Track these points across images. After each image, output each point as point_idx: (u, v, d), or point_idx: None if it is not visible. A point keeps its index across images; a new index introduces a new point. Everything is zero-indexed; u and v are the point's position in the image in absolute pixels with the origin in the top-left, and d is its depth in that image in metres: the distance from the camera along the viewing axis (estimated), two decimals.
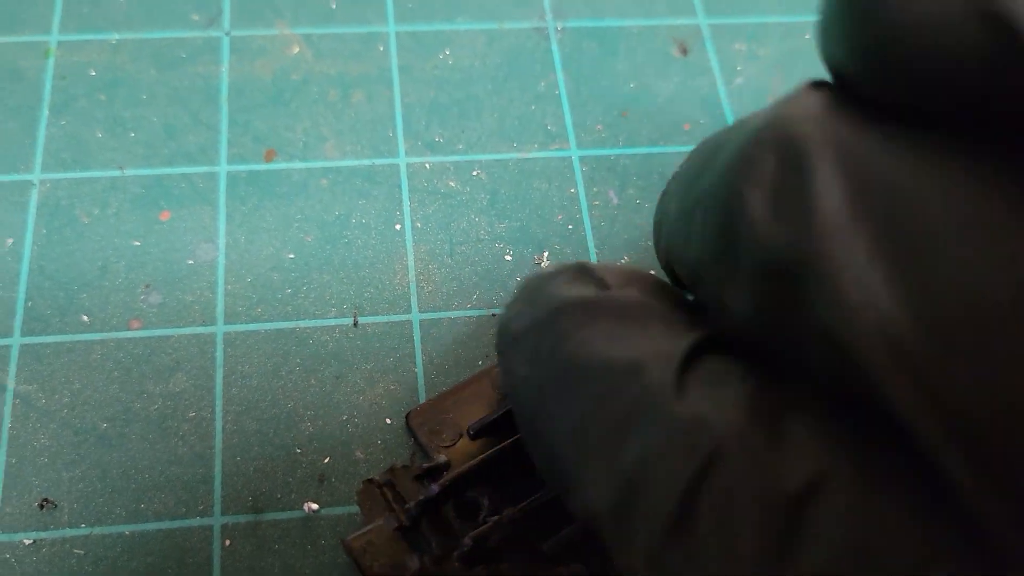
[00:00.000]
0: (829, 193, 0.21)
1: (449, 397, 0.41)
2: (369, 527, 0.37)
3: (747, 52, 0.54)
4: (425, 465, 0.39)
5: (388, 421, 0.42)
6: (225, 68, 0.50)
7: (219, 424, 0.41)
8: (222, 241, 0.45)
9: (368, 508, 0.38)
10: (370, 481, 0.38)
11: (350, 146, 0.48)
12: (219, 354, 0.43)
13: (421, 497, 0.37)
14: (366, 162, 0.48)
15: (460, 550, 0.36)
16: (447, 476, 0.38)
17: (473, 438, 0.40)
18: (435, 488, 0.37)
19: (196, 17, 0.51)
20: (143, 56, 0.50)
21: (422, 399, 0.42)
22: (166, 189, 0.46)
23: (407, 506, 0.37)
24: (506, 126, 0.50)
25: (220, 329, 0.43)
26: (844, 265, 0.21)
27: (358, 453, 0.41)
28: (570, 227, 0.47)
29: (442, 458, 0.39)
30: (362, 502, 0.38)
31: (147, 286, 0.44)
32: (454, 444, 0.40)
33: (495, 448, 0.38)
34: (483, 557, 0.37)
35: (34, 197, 0.46)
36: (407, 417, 0.41)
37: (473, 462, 0.38)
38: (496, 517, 0.37)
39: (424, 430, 0.41)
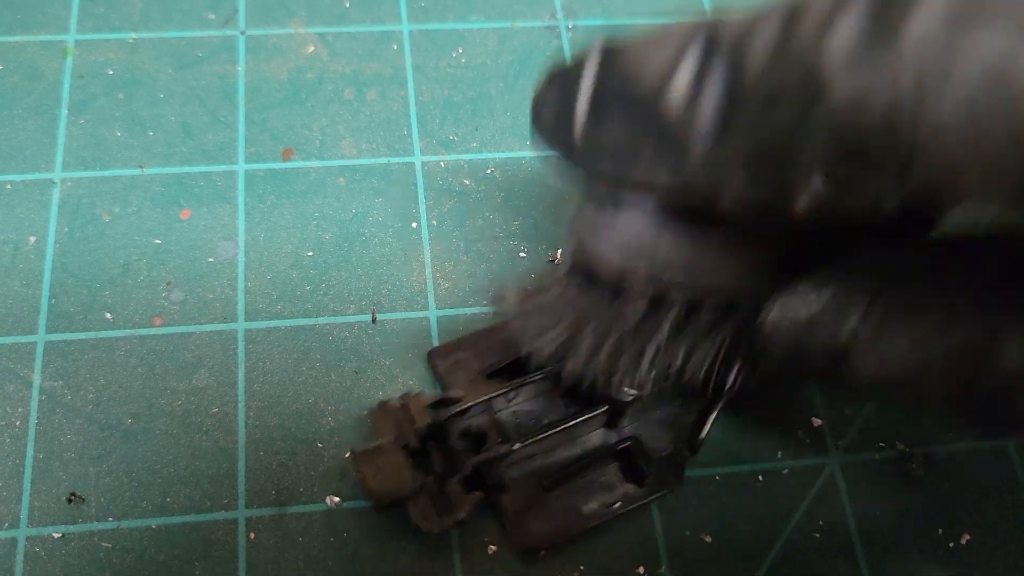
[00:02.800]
0: None
1: (468, 341, 0.44)
2: (378, 441, 0.39)
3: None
4: (439, 395, 0.41)
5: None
6: (241, 67, 0.51)
7: (242, 419, 0.42)
8: (242, 239, 0.46)
9: (379, 426, 0.40)
10: (384, 403, 0.40)
11: (366, 144, 0.49)
12: (240, 350, 0.43)
13: (429, 421, 0.39)
14: (382, 160, 0.49)
15: (461, 474, 0.38)
16: (456, 407, 0.40)
17: (488, 377, 0.42)
18: (444, 413, 0.39)
19: (212, 16, 0.52)
20: (160, 55, 0.51)
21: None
22: (185, 187, 0.47)
23: (416, 427, 0.39)
24: (519, 124, 0.51)
25: (241, 326, 0.44)
26: None
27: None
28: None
29: (458, 392, 0.41)
30: (374, 420, 0.40)
31: (169, 283, 0.45)
32: (470, 383, 0.42)
33: (506, 387, 0.40)
34: (483, 484, 0.39)
35: (55, 196, 0.46)
36: (429, 354, 0.43)
37: (484, 396, 0.40)
38: (501, 447, 0.39)
39: (444, 366, 0.43)
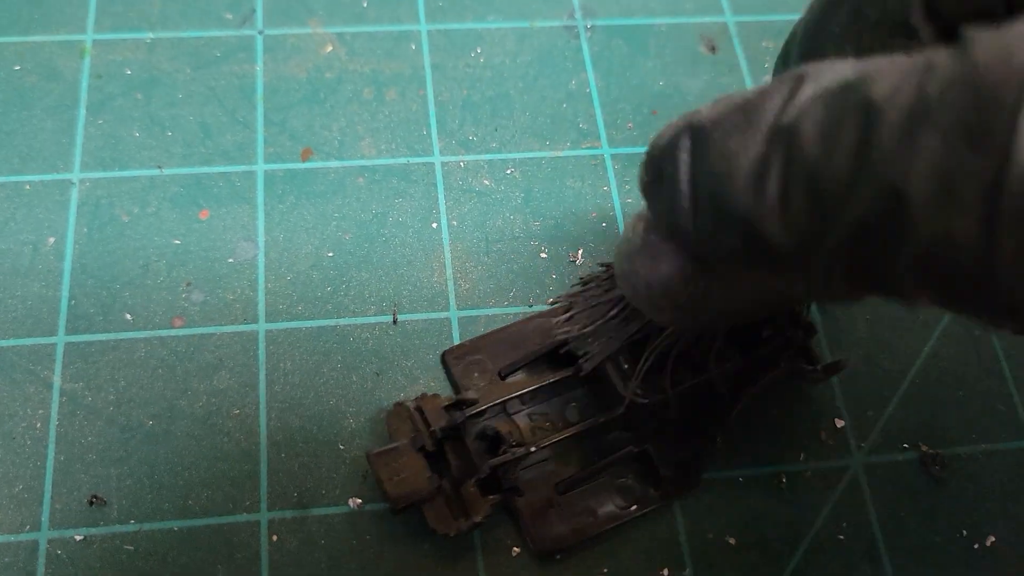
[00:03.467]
0: None
1: (484, 341, 0.44)
2: (394, 444, 0.39)
3: (775, 49, 0.54)
4: (454, 397, 0.41)
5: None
6: (260, 67, 0.50)
7: (263, 421, 0.42)
8: (261, 239, 0.46)
9: (395, 428, 0.40)
10: (400, 404, 0.40)
11: (385, 144, 0.49)
12: (261, 352, 0.43)
13: (445, 423, 0.39)
14: (401, 160, 0.49)
15: (478, 476, 0.38)
16: (472, 408, 0.40)
17: (504, 379, 0.42)
18: (460, 415, 0.39)
19: (230, 16, 0.52)
20: (178, 55, 0.50)
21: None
22: (205, 188, 0.47)
23: (432, 429, 0.39)
24: (538, 124, 0.50)
25: (262, 327, 0.44)
26: None
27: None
28: (604, 224, 0.48)
29: (471, 394, 0.41)
30: (390, 422, 0.40)
31: (188, 284, 0.44)
32: (485, 384, 0.42)
33: (522, 389, 0.41)
34: (498, 487, 0.39)
35: (74, 196, 0.46)
36: (443, 355, 0.43)
37: (500, 398, 0.40)
38: (518, 450, 0.39)
39: (458, 367, 0.43)
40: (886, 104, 0.22)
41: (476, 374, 0.42)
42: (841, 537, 0.42)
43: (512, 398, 0.41)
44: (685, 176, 0.29)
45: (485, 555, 0.40)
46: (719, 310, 0.35)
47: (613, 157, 0.50)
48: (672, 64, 0.53)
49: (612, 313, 0.37)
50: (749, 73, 0.53)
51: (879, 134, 0.22)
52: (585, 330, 0.38)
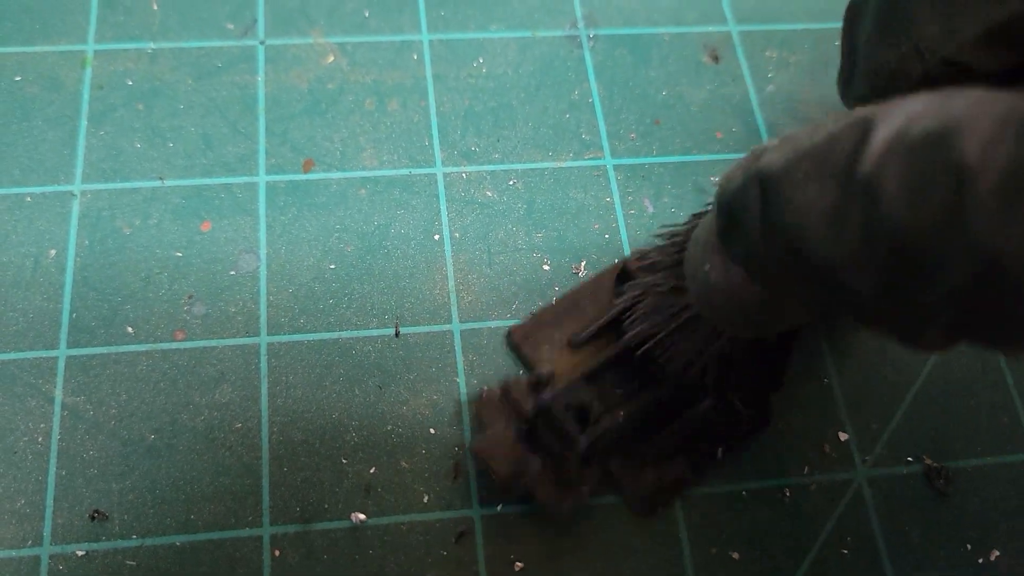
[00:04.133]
0: None
1: (548, 313, 0.44)
2: (491, 433, 0.40)
3: (778, 59, 0.54)
4: (535, 375, 0.41)
5: (432, 431, 0.42)
6: (261, 77, 0.50)
7: (265, 435, 0.42)
8: (263, 251, 0.46)
9: (485, 415, 0.41)
10: (488, 390, 0.41)
11: (387, 155, 0.49)
12: (263, 365, 0.43)
13: (534, 402, 0.40)
14: (403, 172, 0.48)
15: (578, 450, 0.39)
16: (559, 385, 0.40)
17: (574, 349, 0.43)
18: (548, 395, 0.40)
19: (231, 26, 0.52)
20: (180, 65, 0.50)
21: (465, 409, 0.43)
22: (206, 200, 0.47)
23: (524, 413, 0.40)
24: (541, 135, 0.50)
25: (264, 340, 0.44)
26: None
27: (403, 463, 0.42)
28: (607, 236, 0.48)
29: (548, 368, 0.41)
30: (479, 410, 0.41)
31: (190, 297, 0.44)
32: (557, 356, 0.43)
33: (600, 357, 0.41)
34: (596, 456, 0.40)
35: (75, 208, 0.46)
36: (508, 335, 0.44)
37: (582, 370, 0.41)
38: (608, 418, 0.40)
39: (528, 344, 0.43)
40: (980, 166, 0.20)
41: (545, 346, 0.43)
42: (845, 551, 0.42)
43: (591, 370, 0.41)
44: (759, 226, 0.28)
45: (489, 570, 0.40)
46: (791, 320, 0.36)
47: (616, 168, 0.50)
48: (675, 74, 0.53)
49: (683, 317, 0.38)
50: (752, 83, 0.53)
51: (974, 199, 0.20)
52: (656, 337, 0.39)
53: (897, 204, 0.22)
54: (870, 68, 0.34)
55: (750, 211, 0.29)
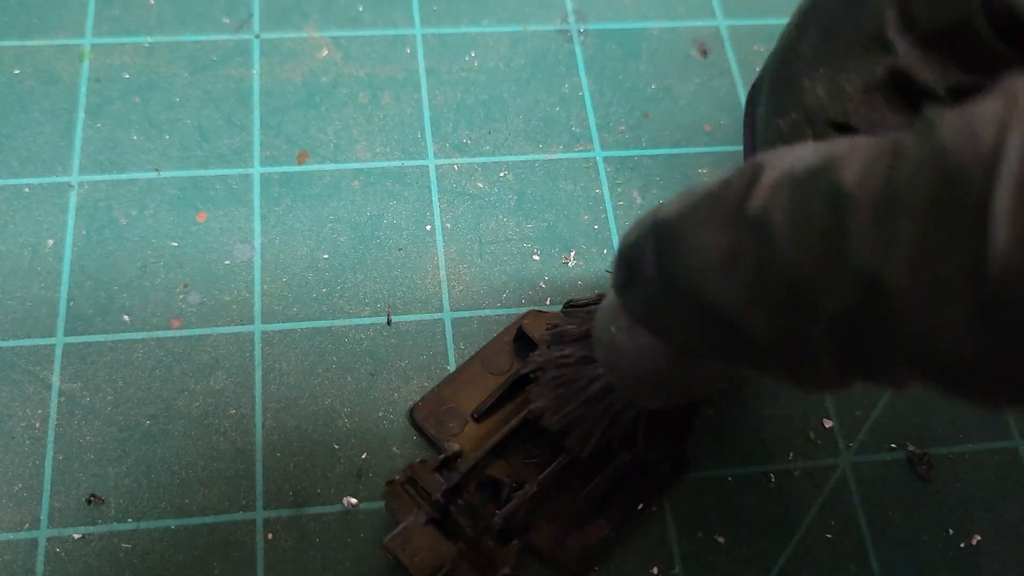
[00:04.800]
0: None
1: (446, 387, 0.43)
2: (403, 525, 0.38)
3: (766, 53, 0.54)
4: (441, 457, 0.40)
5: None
6: (256, 71, 0.51)
7: (259, 421, 0.42)
8: (258, 241, 0.46)
9: (396, 507, 0.39)
10: (392, 482, 0.39)
11: (380, 148, 0.49)
12: (257, 352, 0.44)
13: (443, 487, 0.38)
14: (396, 163, 0.49)
15: (492, 529, 0.38)
16: (463, 463, 0.39)
17: (478, 421, 0.42)
18: (455, 477, 0.39)
19: (227, 20, 0.52)
20: (176, 59, 0.51)
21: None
22: (202, 191, 0.47)
23: (433, 498, 0.38)
24: (531, 127, 0.51)
25: (258, 328, 0.44)
26: None
27: (394, 448, 0.42)
28: (596, 227, 0.48)
29: (455, 447, 0.41)
30: (389, 503, 0.39)
31: (186, 286, 0.45)
32: (462, 431, 0.42)
33: (504, 429, 0.40)
34: (514, 532, 0.39)
35: (73, 199, 0.47)
36: (410, 413, 0.43)
37: (486, 445, 0.40)
38: (519, 492, 0.39)
39: (431, 423, 0.42)
40: (856, 190, 0.21)
41: (450, 423, 0.42)
42: (829, 535, 0.42)
43: (499, 440, 0.40)
44: (656, 273, 0.29)
45: None
46: (705, 386, 0.36)
47: (605, 160, 0.50)
48: (664, 68, 0.54)
49: (591, 390, 0.37)
50: (740, 77, 0.54)
51: (852, 221, 0.21)
52: (565, 415, 0.38)
53: (784, 236, 0.23)
54: (765, 140, 0.35)
55: (647, 261, 0.29)
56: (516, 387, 0.42)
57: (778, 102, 0.34)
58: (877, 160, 0.21)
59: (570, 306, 0.43)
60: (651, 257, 0.29)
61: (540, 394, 0.39)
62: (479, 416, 0.42)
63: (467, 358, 0.44)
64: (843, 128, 0.31)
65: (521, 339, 0.43)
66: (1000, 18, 0.27)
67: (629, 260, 0.31)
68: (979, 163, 0.19)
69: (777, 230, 0.23)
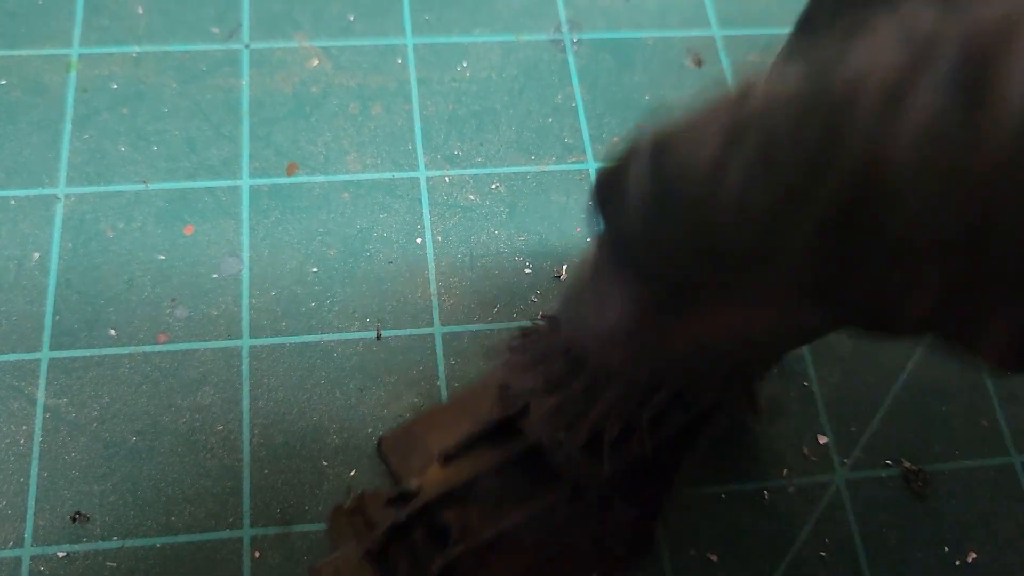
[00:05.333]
0: None
1: (421, 423, 0.42)
2: (336, 554, 0.37)
3: (761, 63, 0.54)
4: (396, 490, 0.39)
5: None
6: (246, 81, 0.51)
7: (247, 437, 0.42)
8: (246, 255, 0.46)
9: (337, 534, 0.38)
10: (339, 507, 0.38)
11: (371, 159, 0.49)
12: (245, 367, 0.43)
13: (389, 523, 0.37)
14: (387, 175, 0.49)
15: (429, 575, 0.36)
16: (415, 503, 0.38)
17: (444, 463, 0.40)
18: (403, 514, 0.37)
19: (216, 30, 0.52)
20: (164, 69, 0.51)
21: (444, 401, 0.43)
22: (189, 203, 0.47)
23: (375, 532, 0.37)
24: (524, 138, 0.51)
25: (246, 343, 0.44)
26: None
27: (383, 466, 0.42)
28: (589, 240, 0.48)
29: (413, 484, 0.39)
30: (330, 528, 0.38)
31: (173, 300, 0.45)
32: (425, 470, 0.40)
33: (464, 476, 0.38)
34: None
35: (59, 211, 0.46)
36: (378, 444, 0.42)
37: (441, 488, 0.38)
38: (464, 542, 0.37)
39: (396, 456, 0.41)
40: (868, 70, 0.21)
41: (415, 459, 0.40)
42: (823, 553, 0.42)
43: (456, 485, 0.39)
44: (641, 178, 0.28)
45: None
46: (672, 357, 0.34)
47: (599, 172, 0.50)
48: (658, 78, 0.53)
49: (557, 366, 0.36)
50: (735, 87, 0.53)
51: (858, 108, 0.21)
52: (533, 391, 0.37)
53: (781, 127, 0.23)
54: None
55: (635, 165, 0.28)
56: (488, 436, 0.40)
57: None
58: (893, 38, 0.21)
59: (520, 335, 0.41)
60: (639, 161, 0.28)
61: (539, 416, 0.38)
62: (446, 458, 0.40)
63: (450, 395, 0.43)
64: None
65: (505, 388, 0.41)
66: None
67: (613, 172, 0.30)
68: (1001, 32, 0.20)
69: (774, 123, 0.23)
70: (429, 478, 0.40)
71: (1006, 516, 0.44)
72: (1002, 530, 0.43)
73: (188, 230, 0.46)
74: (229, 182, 0.48)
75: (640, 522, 0.40)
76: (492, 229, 0.48)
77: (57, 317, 0.44)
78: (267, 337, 0.44)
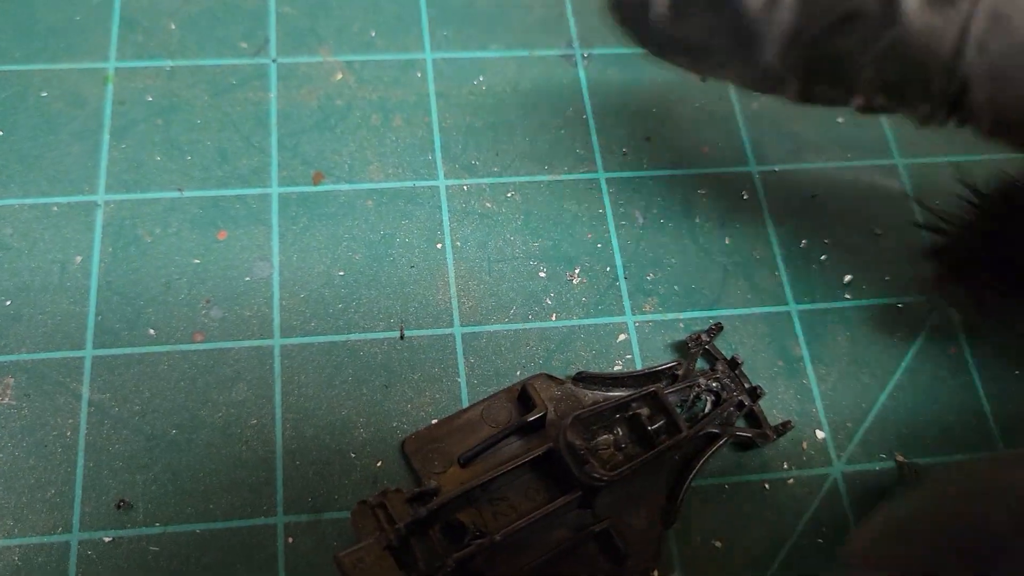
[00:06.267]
0: None
1: (443, 427, 0.45)
2: (360, 544, 0.39)
3: None
4: (416, 489, 0.41)
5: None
6: (273, 94, 0.53)
7: (279, 430, 0.45)
8: (276, 259, 0.48)
9: (360, 527, 0.40)
10: (363, 502, 0.41)
11: (392, 169, 0.52)
12: (277, 365, 0.46)
13: (409, 519, 0.39)
14: (408, 184, 0.51)
15: (444, 570, 0.39)
16: (435, 500, 0.40)
17: (463, 466, 0.43)
18: (423, 511, 0.40)
19: (245, 45, 0.55)
20: (196, 82, 0.53)
21: (465, 407, 0.46)
22: (222, 210, 0.50)
23: (397, 526, 0.39)
24: (537, 149, 0.53)
25: (277, 342, 0.47)
26: None
27: (406, 464, 0.44)
28: (599, 246, 0.50)
29: (432, 484, 0.42)
30: (355, 521, 0.40)
31: (208, 301, 0.47)
32: (445, 471, 0.43)
33: (482, 478, 0.41)
34: None
35: (99, 217, 0.49)
36: (402, 444, 0.45)
37: (459, 489, 0.41)
38: (479, 540, 0.39)
39: (418, 457, 0.44)
40: None
41: (436, 460, 0.43)
42: (821, 540, 0.45)
43: (473, 487, 0.41)
44: None
45: None
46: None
47: (608, 181, 0.53)
48: (665, 92, 0.56)
49: None
50: (738, 101, 0.56)
51: None
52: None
53: None
54: None
55: None
56: (505, 441, 0.44)
57: None
58: None
59: (580, 378, 0.46)
60: None
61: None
62: (464, 461, 0.43)
63: (471, 403, 0.46)
64: None
65: (523, 398, 0.45)
66: None
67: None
68: None
69: None
70: (448, 478, 0.43)
71: None
72: None
73: (221, 235, 0.49)
74: (259, 190, 0.50)
75: (650, 531, 0.43)
76: (508, 235, 0.50)
77: (99, 317, 0.46)
78: (297, 337, 0.47)
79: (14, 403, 0.44)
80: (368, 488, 0.44)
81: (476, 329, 0.48)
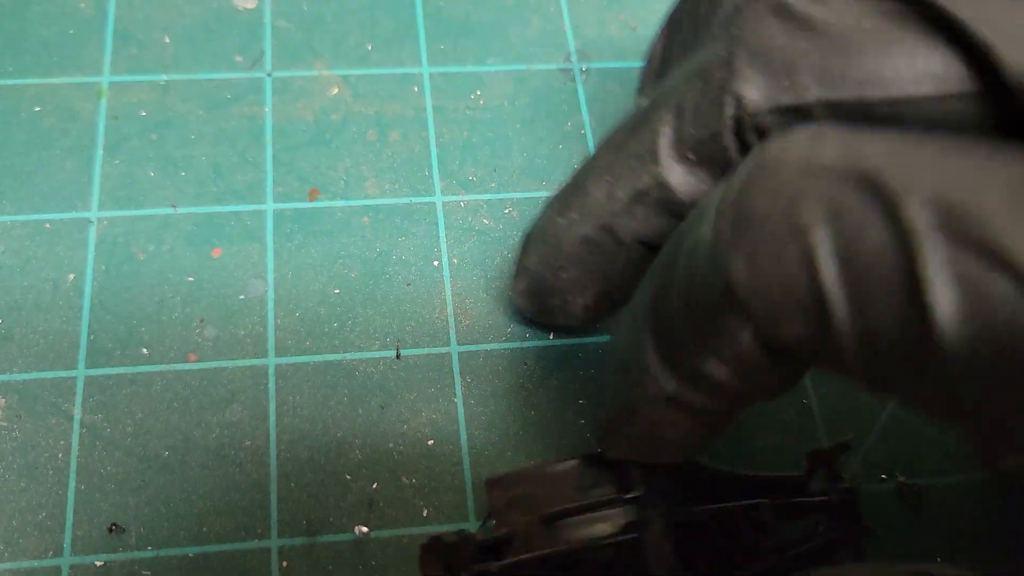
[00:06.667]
0: None
1: (534, 474, 0.41)
2: None
3: None
4: (491, 537, 0.39)
5: (431, 448, 0.45)
6: (268, 108, 0.53)
7: (273, 452, 0.44)
8: (271, 277, 0.48)
9: (427, 563, 0.39)
10: (437, 538, 0.39)
11: (389, 184, 0.51)
12: (271, 385, 0.45)
13: (478, 570, 0.38)
14: (404, 200, 0.51)
15: None
16: (508, 559, 0.38)
17: (544, 524, 0.39)
18: (495, 567, 0.38)
19: (240, 59, 0.54)
20: (191, 96, 0.53)
21: (462, 428, 0.45)
22: (216, 226, 0.49)
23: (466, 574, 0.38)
24: (535, 165, 0.53)
25: (272, 361, 0.46)
26: None
27: (404, 479, 0.44)
28: None
29: (506, 532, 0.39)
30: (423, 556, 0.39)
31: (202, 320, 0.47)
32: (525, 521, 0.40)
33: (564, 546, 0.38)
34: None
35: (92, 234, 0.48)
36: (487, 481, 0.41)
37: (538, 554, 0.38)
38: None
39: (500, 499, 0.41)
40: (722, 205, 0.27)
41: (518, 511, 0.40)
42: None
43: (555, 552, 0.38)
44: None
45: None
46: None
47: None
48: None
49: None
50: None
51: (715, 230, 0.27)
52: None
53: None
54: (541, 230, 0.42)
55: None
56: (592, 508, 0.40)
57: (564, 202, 0.40)
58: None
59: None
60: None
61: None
62: (546, 520, 0.39)
63: (569, 457, 0.42)
64: (609, 230, 0.37)
65: (621, 466, 0.40)
66: (746, 132, 0.30)
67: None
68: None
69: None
70: (526, 531, 0.39)
71: (1001, 532, 0.46)
72: (996, 546, 0.45)
73: (216, 253, 0.48)
74: (254, 206, 0.50)
75: None
76: (506, 252, 0.50)
77: (92, 336, 0.46)
78: (292, 356, 0.46)
79: (5, 424, 0.44)
80: (364, 511, 0.43)
81: (473, 348, 0.47)
